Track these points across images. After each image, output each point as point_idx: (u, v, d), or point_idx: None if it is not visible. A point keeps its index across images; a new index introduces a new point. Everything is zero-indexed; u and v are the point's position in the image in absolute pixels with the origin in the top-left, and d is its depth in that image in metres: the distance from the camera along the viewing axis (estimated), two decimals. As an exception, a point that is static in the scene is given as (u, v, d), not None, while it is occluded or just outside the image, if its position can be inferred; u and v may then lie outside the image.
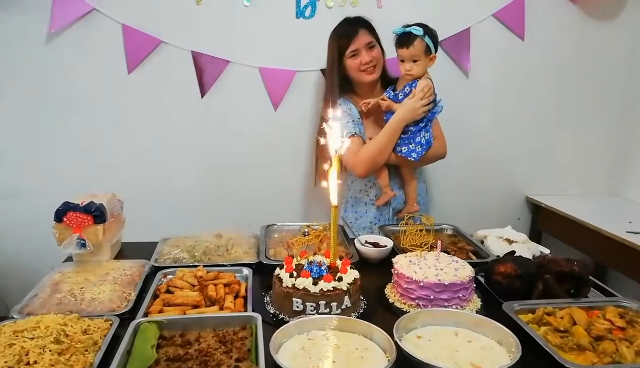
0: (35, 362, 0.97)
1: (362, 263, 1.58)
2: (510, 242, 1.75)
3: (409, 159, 1.97)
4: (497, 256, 1.61)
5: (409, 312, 1.26)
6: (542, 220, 2.68)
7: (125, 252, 1.75)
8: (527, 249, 1.69)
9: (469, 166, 2.67)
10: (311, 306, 1.24)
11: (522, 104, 2.64)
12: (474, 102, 2.59)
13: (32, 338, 1.02)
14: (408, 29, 1.88)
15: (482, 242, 1.80)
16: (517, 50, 2.54)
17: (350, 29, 2.02)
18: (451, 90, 2.37)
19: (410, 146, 1.97)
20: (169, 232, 1.81)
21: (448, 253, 1.53)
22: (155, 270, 1.51)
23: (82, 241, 1.47)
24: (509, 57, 2.55)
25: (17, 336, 1.04)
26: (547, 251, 1.74)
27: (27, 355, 0.98)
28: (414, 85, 1.94)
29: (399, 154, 1.99)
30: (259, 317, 1.15)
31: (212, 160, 2.49)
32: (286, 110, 2.45)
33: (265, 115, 2.45)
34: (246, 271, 1.50)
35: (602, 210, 2.46)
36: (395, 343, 1.04)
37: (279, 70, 2.40)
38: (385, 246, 1.68)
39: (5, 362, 0.95)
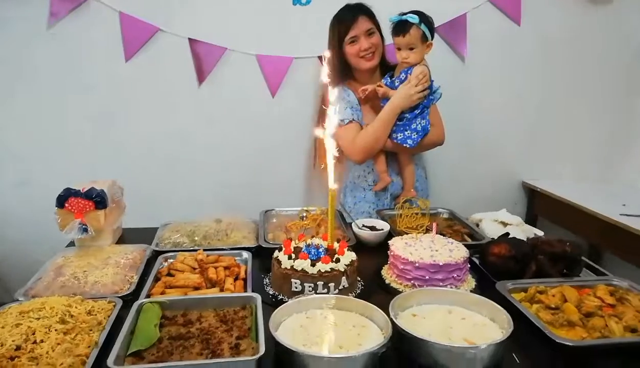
0: (42, 341, 1.00)
1: (359, 246, 1.61)
2: (504, 224, 1.78)
3: (404, 145, 1.99)
4: (492, 238, 1.64)
5: (405, 292, 1.29)
6: (538, 205, 2.72)
7: (126, 237, 1.77)
8: (522, 231, 1.73)
9: (466, 152, 2.69)
10: (309, 286, 1.27)
11: (518, 90, 2.66)
12: (471, 88, 2.61)
13: (38, 319, 1.06)
14: (404, 17, 1.90)
15: (478, 225, 1.83)
16: (513, 35, 2.55)
17: (349, 16, 2.04)
18: (448, 76, 2.39)
19: (406, 133, 1.99)
20: (168, 219, 1.84)
21: (444, 235, 1.56)
22: (156, 254, 1.54)
23: (83, 226, 1.49)
24: (505, 42, 2.56)
25: (23, 316, 1.07)
26: (540, 233, 1.76)
27: (33, 334, 1.01)
28: (409, 72, 1.95)
29: (395, 141, 2.01)
30: (258, 297, 1.18)
31: (209, 147, 2.50)
32: (284, 96, 2.47)
33: (263, 102, 2.47)
34: (246, 254, 1.53)
35: (596, 193, 2.49)
36: (391, 320, 1.08)
37: (277, 57, 2.41)
38: (382, 229, 1.71)
39: (13, 341, 0.98)
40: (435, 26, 2.37)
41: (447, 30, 2.49)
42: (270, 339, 1.02)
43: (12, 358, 0.96)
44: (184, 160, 2.50)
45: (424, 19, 1.90)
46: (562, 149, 2.76)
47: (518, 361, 1.05)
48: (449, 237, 1.53)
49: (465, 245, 1.45)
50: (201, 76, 2.38)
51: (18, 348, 0.98)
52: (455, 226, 1.82)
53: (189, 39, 2.33)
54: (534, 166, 2.78)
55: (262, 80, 2.44)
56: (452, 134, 2.25)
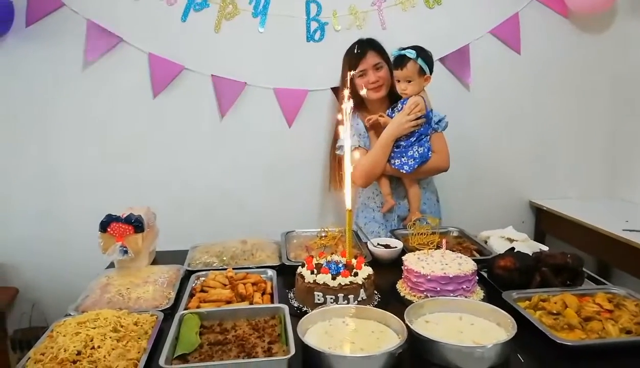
0: (99, 347, 1.13)
1: (375, 263, 1.72)
2: (511, 240, 1.89)
3: (401, 171, 2.13)
4: (499, 253, 1.75)
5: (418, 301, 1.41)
6: (545, 222, 2.82)
7: (158, 259, 1.91)
8: (527, 247, 1.82)
9: (476, 175, 2.83)
10: (331, 298, 1.39)
11: (522, 114, 2.81)
12: (477, 114, 2.76)
13: (94, 328, 1.19)
14: (402, 52, 2.04)
15: (486, 242, 1.94)
16: (515, 63, 2.72)
17: (359, 51, 2.20)
18: (454, 104, 2.57)
19: (403, 159, 2.13)
20: (193, 241, 1.96)
21: (453, 251, 1.67)
22: (188, 273, 1.68)
23: (124, 249, 1.64)
24: (507, 70, 2.73)
25: (81, 326, 1.20)
26: (546, 248, 1.87)
27: (91, 341, 1.15)
28: (404, 102, 2.11)
29: (393, 166, 2.15)
30: (286, 308, 1.31)
31: (231, 175, 2.67)
32: (300, 126, 2.64)
33: (280, 132, 2.64)
34: (270, 272, 1.66)
35: (600, 211, 2.60)
36: (407, 325, 1.20)
37: (292, 90, 2.59)
38: (396, 247, 1.83)
39: (74, 347, 1.12)
40: (441, 56, 2.57)
41: (452, 60, 2.66)
42: (298, 344, 1.14)
43: (74, 362, 1.10)
44: (207, 187, 2.66)
45: (422, 53, 2.03)
46: (567, 168, 2.89)
47: (523, 360, 1.16)
48: (459, 253, 1.65)
49: (474, 260, 1.56)
50: (223, 109, 2.57)
51: (79, 353, 1.12)
52: (464, 243, 1.93)
53: (212, 75, 2.53)
54: (541, 186, 2.90)
55: (279, 111, 2.62)
56: (461, 157, 2.39)
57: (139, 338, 1.21)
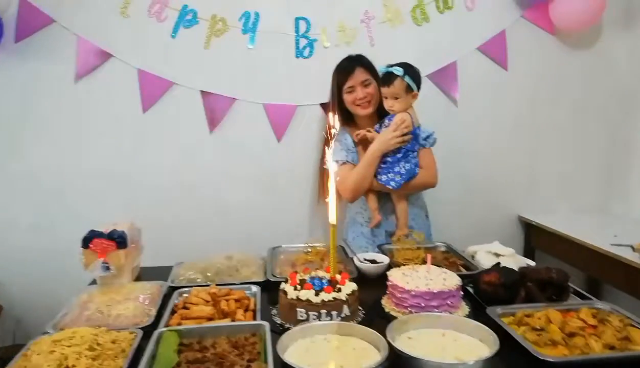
0: (74, 366, 1.11)
1: (361, 279, 1.71)
2: (498, 255, 1.88)
3: (388, 186, 2.13)
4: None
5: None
6: (534, 238, 2.82)
7: (143, 275, 1.89)
8: (514, 262, 1.82)
9: (464, 190, 2.82)
10: (314, 315, 1.37)
11: (510, 130, 2.82)
12: (465, 130, 2.76)
13: (70, 346, 1.17)
14: (390, 69, 2.05)
15: (473, 257, 1.94)
16: (502, 79, 2.73)
17: (348, 67, 2.21)
18: (442, 120, 2.57)
19: (389, 175, 2.12)
20: (182, 256, 1.93)
21: (439, 267, 1.67)
22: (171, 290, 1.66)
23: (106, 265, 1.62)
24: (494, 86, 2.74)
25: (56, 345, 1.18)
26: (532, 263, 1.86)
27: (66, 360, 1.13)
28: (391, 118, 2.11)
29: (380, 182, 2.14)
30: (267, 324, 1.29)
31: (221, 188, 2.66)
32: (289, 141, 2.64)
33: (270, 146, 2.64)
34: (255, 288, 1.64)
35: (590, 226, 2.59)
36: (388, 342, 1.18)
37: (282, 105, 2.60)
38: (382, 262, 1.82)
39: (48, 366, 1.10)
40: (428, 73, 2.59)
41: (440, 77, 2.67)
42: (278, 362, 1.13)
43: (47, 382, 1.07)
44: (196, 201, 2.65)
45: (410, 70, 2.04)
46: (555, 183, 2.89)
47: (505, 377, 1.15)
48: (444, 268, 1.64)
49: (460, 275, 1.55)
50: (212, 124, 2.57)
51: (53, 372, 1.10)
52: (451, 258, 1.92)
53: (201, 91, 2.54)
54: (530, 201, 2.90)
55: (268, 126, 2.62)
56: (450, 173, 2.38)
57: (116, 357, 1.19)
